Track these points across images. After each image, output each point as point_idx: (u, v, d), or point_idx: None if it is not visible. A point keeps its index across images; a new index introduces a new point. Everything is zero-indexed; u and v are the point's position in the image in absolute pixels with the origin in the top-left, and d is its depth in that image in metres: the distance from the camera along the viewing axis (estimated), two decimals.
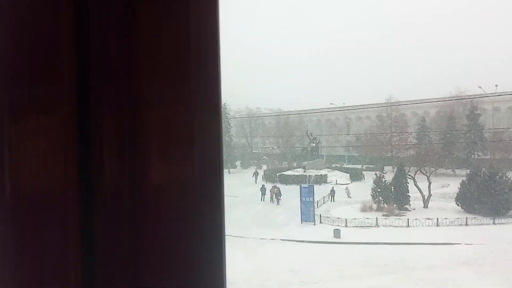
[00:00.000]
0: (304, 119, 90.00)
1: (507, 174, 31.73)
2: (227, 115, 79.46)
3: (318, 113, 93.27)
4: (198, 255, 1.00)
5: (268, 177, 54.20)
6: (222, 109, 1.14)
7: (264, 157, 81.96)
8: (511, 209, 30.07)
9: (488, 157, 54.01)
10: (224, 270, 1.06)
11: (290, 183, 47.82)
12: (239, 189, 48.14)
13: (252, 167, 78.95)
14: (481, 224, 27.98)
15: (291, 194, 39.82)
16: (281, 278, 18.19)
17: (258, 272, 19.11)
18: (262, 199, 40.54)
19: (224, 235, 1.19)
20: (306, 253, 22.55)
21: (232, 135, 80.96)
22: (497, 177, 30.67)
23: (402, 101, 60.59)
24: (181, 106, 1.00)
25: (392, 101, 63.78)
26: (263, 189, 41.49)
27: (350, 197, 37.60)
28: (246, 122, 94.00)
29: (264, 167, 72.82)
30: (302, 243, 24.71)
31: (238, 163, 79.00)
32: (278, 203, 38.57)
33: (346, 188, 38.79)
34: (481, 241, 23.81)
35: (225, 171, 52.58)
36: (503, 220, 28.49)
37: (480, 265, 19.62)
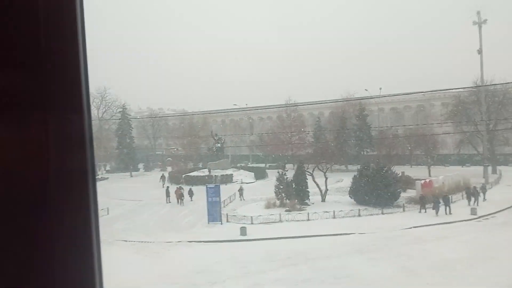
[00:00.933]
0: (208, 120, 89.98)
1: (392, 168, 35.33)
2: (127, 115, 75.83)
3: (222, 114, 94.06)
4: (61, 257, 0.95)
5: (173, 178, 53.01)
6: (90, 110, 1.08)
7: (168, 158, 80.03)
8: (396, 200, 33.62)
9: (375, 153, 59.75)
10: (97, 274, 1.03)
11: (196, 184, 47.41)
12: (143, 192, 46.38)
13: (156, 169, 76.59)
14: (372, 215, 30.73)
15: (197, 195, 39.58)
16: (188, 280, 17.93)
17: (165, 276, 18.60)
18: (168, 201, 39.64)
19: (97, 238, 1.13)
20: (213, 253, 22.55)
21: (134, 136, 77.44)
22: (384, 171, 34.00)
23: (299, 103, 63.85)
24: (35, 109, 0.93)
25: (290, 102, 66.85)
26: (167, 191, 40.54)
27: (243, 199, 38.45)
28: (149, 123, 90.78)
29: (169, 168, 71.16)
30: (209, 243, 24.67)
31: (141, 165, 75.94)
32: (182, 204, 38.11)
33: (240, 189, 39.68)
34: (372, 229, 26.20)
35: (127, 174, 50.75)
36: (390, 210, 31.68)
37: (371, 252, 21.57)
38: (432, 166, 52.44)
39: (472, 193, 33.29)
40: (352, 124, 65.42)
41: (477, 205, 31.75)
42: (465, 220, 28.25)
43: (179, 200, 38.87)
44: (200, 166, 65.53)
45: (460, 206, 31.38)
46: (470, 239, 23.44)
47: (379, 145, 59.18)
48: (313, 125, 70.36)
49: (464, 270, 18.13)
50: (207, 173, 53.60)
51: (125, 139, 72.68)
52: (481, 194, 33.99)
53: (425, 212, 30.57)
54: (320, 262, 20.00)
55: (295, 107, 71.17)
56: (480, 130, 49.75)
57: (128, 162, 70.05)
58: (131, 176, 66.60)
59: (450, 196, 31.95)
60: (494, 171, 50.06)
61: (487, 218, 28.77)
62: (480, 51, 42.53)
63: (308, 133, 69.01)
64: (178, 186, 43.43)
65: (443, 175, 39.60)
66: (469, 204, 31.85)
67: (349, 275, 18.03)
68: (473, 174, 45.30)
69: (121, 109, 75.53)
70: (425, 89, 66.55)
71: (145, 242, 25.25)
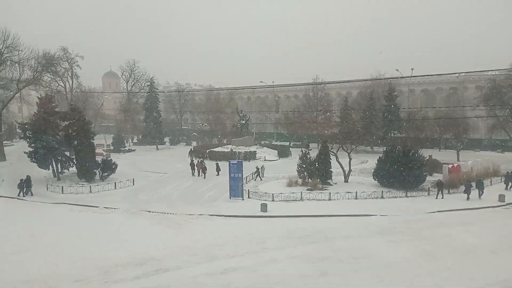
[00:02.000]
0: (234, 96, 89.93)
1: (419, 151, 34.49)
2: (155, 89, 76.53)
3: (248, 91, 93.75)
4: None
5: (197, 153, 53.67)
6: None
7: (194, 133, 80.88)
8: (422, 183, 32.96)
9: (403, 135, 58.43)
10: None
11: (219, 159, 47.87)
12: (168, 165, 47.25)
13: (181, 143, 77.67)
14: (395, 197, 30.31)
15: (221, 170, 40.00)
16: (208, 252, 18.28)
17: (185, 248, 19.01)
18: (193, 174, 40.36)
19: None
20: (233, 227, 22.86)
21: (161, 110, 78.37)
22: (410, 153, 33.23)
23: (327, 81, 62.66)
24: None
25: (318, 81, 65.71)
26: (192, 165, 41.23)
27: (261, 178, 38.24)
28: (176, 97, 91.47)
29: (194, 143, 71.96)
30: (230, 218, 24.99)
31: (167, 139, 77.10)
32: (205, 178, 38.70)
33: (262, 167, 39.48)
34: (394, 212, 25.85)
35: (153, 147, 52.12)
36: (414, 193, 31.13)
37: (392, 234, 21.33)
38: (461, 151, 50.92)
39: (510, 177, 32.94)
40: (381, 105, 63.92)
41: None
42: (492, 207, 27.46)
43: (200, 173, 39.56)
44: (225, 142, 65.95)
45: (488, 192, 30.41)
46: (494, 226, 22.83)
47: (408, 127, 57.76)
48: (340, 105, 69.22)
49: (487, 257, 17.72)
50: (230, 149, 53.96)
51: (152, 113, 73.68)
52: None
53: (442, 198, 29.73)
54: (339, 242, 19.96)
55: (322, 86, 70.05)
56: None
57: (154, 136, 71.22)
58: (157, 149, 67.84)
59: (483, 181, 31.14)
60: None
61: None
62: None
63: (334, 113, 68.05)
64: (199, 160, 44.02)
65: (472, 160, 38.39)
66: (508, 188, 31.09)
67: (368, 256, 17.92)
68: (504, 160, 43.79)
69: (149, 83, 76.33)
70: (459, 71, 64.12)
71: (167, 213, 25.83)
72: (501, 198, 28.55)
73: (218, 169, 40.11)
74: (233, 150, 53.25)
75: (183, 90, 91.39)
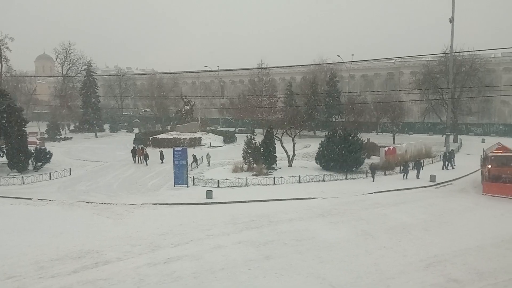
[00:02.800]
0: (178, 81, 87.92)
1: (358, 135, 35.89)
2: (93, 73, 72.77)
3: (193, 76, 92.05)
4: None
5: (140, 140, 52.08)
6: None
7: (136, 120, 78.27)
8: (360, 166, 34.40)
9: (343, 119, 60.52)
10: None
11: (163, 146, 46.82)
12: (108, 154, 45.43)
13: (122, 130, 74.87)
14: (336, 180, 31.40)
15: (164, 157, 39.12)
16: (151, 241, 17.88)
17: (127, 238, 18.46)
18: (134, 162, 39.22)
19: None
20: (177, 215, 22.52)
21: (100, 96, 74.78)
22: (350, 137, 34.47)
23: (271, 66, 63.07)
24: None
25: (262, 66, 65.88)
26: (133, 152, 40.07)
27: (209, 165, 37.91)
28: (116, 82, 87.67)
29: (136, 130, 69.69)
30: (174, 206, 24.59)
31: (106, 126, 73.93)
32: (146, 165, 37.84)
33: (208, 155, 39.07)
34: (335, 194, 26.82)
35: (91, 135, 49.75)
36: (353, 176, 32.44)
37: (333, 215, 22.14)
38: (396, 134, 53.74)
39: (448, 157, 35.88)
40: (323, 90, 65.54)
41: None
42: (424, 187, 29.33)
43: (141, 160, 38.64)
44: (169, 128, 64.54)
45: (421, 172, 32.39)
46: (427, 205, 24.43)
47: (348, 111, 59.81)
48: (284, 90, 70.07)
49: (419, 234, 18.94)
50: (175, 136, 52.91)
51: (90, 98, 70.20)
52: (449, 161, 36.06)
53: (373, 181, 30.95)
54: (283, 225, 20.37)
55: (267, 71, 70.37)
56: (445, 99, 50.91)
57: (93, 122, 68.01)
58: (96, 136, 64.92)
59: (422, 161, 33.62)
60: (455, 140, 51.86)
61: (444, 185, 29.99)
62: (451, 20, 42.70)
63: (279, 98, 68.85)
64: (141, 146, 42.83)
65: (406, 143, 40.65)
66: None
67: (310, 237, 18.46)
68: (435, 142, 46.84)
69: (86, 67, 72.40)
70: (394, 58, 67.25)
71: (108, 204, 24.89)
72: (432, 178, 30.57)
73: (162, 157, 39.24)
74: (178, 137, 52.28)
75: (123, 74, 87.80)
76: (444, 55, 51.59)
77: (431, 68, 57.34)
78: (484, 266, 15.01)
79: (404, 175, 31.73)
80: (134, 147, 42.53)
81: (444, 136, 47.04)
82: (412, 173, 32.01)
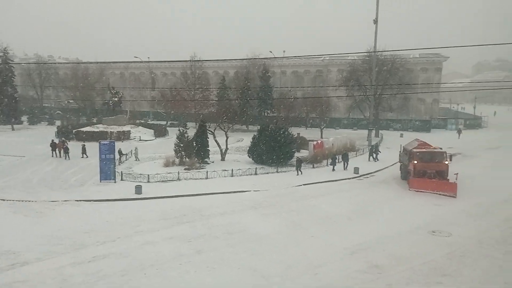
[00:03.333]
0: (106, 72, 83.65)
1: (289, 129, 36.80)
2: (10, 61, 66.65)
3: (121, 66, 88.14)
4: None
5: (62, 134, 48.83)
6: None
7: (58, 111, 73.14)
8: (291, 159, 35.34)
9: (275, 114, 61.74)
10: None
11: (88, 140, 44.36)
12: (26, 147, 42.11)
13: (42, 123, 69.62)
14: (267, 173, 31.97)
15: (90, 151, 37.12)
16: (75, 240, 16.89)
17: (47, 237, 17.25)
18: (54, 156, 36.78)
19: None
20: (104, 212, 21.50)
21: (17, 85, 68.67)
22: (281, 131, 35.27)
23: (204, 59, 62.34)
24: None
25: (195, 59, 64.86)
26: (52, 145, 37.53)
27: (138, 159, 36.74)
28: (36, 71, 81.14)
29: (58, 122, 65.20)
30: (100, 202, 23.43)
31: (25, 118, 68.25)
32: (68, 158, 35.77)
33: (135, 149, 37.75)
34: (266, 187, 27.31)
35: (8, 127, 45.78)
36: (284, 169, 33.25)
37: (264, 208, 22.55)
38: (324, 129, 55.98)
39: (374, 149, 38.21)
40: (256, 85, 66.22)
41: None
42: (348, 178, 30.93)
43: (62, 154, 36.48)
44: (95, 121, 61.34)
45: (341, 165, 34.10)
46: (351, 196, 25.80)
47: (279, 106, 61.05)
48: (218, 84, 69.71)
49: (344, 223, 19.96)
50: (102, 129, 50.36)
51: (6, 88, 64.25)
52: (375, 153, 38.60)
53: (301, 173, 31.58)
54: (215, 219, 20.34)
55: (200, 64, 69.43)
56: (369, 96, 54.00)
57: (9, 114, 62.45)
58: (13, 129, 59.63)
59: (348, 154, 35.73)
60: (377, 135, 55.28)
61: (367, 177, 31.87)
62: (375, 21, 45.30)
63: (212, 92, 68.33)
64: (61, 140, 40.30)
65: (333, 137, 42.53)
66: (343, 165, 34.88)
67: (242, 230, 18.65)
68: (359, 137, 49.56)
69: (1, 54, 66.07)
70: (323, 56, 69.91)
71: (26, 201, 23.06)
72: (356, 170, 32.34)
73: (83, 151, 37.10)
74: (104, 130, 49.82)
75: (44, 63, 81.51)
76: (368, 54, 54.64)
77: (356, 67, 60.47)
78: (402, 252, 16.21)
79: (332, 167, 33.30)
80: (53, 140, 39.70)
81: (367, 131, 50.00)
82: (340, 165, 33.72)
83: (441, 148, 29.19)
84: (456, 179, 26.12)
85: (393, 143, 46.25)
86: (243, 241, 17.28)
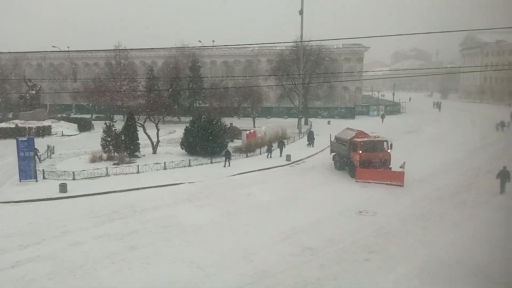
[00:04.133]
0: (21, 63, 77.12)
1: (222, 120, 36.77)
2: None
3: (38, 56, 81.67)
4: None
5: None
6: None
7: None
8: (224, 149, 35.38)
9: (207, 105, 61.28)
10: None
11: (3, 137, 40.80)
12: None
13: None
14: (201, 164, 31.76)
15: (6, 149, 34.24)
16: None
17: None
18: None
19: None
20: (25, 214, 20.03)
21: None
22: (214, 122, 35.15)
23: (130, 49, 59.75)
24: None
25: (120, 48, 61.95)
26: None
27: (50, 156, 34.60)
28: None
29: None
30: (21, 203, 21.78)
31: None
32: None
33: (49, 147, 35.49)
34: (200, 178, 27.17)
35: None
36: (218, 159, 33.23)
37: (199, 199, 22.47)
38: (256, 118, 56.76)
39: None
40: (186, 75, 65.03)
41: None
42: (281, 166, 31.78)
43: None
44: (10, 116, 56.45)
45: (277, 152, 34.99)
46: (284, 182, 26.58)
47: (211, 97, 60.65)
48: (146, 75, 67.36)
49: (278, 210, 20.55)
50: (17, 125, 46.47)
51: None
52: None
53: (229, 165, 30.83)
54: (148, 214, 19.88)
55: (126, 54, 66.45)
56: (297, 85, 55.57)
57: None
58: None
59: (284, 141, 37.02)
60: (306, 122, 57.21)
61: (298, 163, 32.96)
62: (301, 12, 46.52)
63: (140, 83, 65.89)
64: None
65: (265, 126, 43.31)
66: (280, 155, 35.81)
67: (177, 223, 18.46)
68: (290, 125, 50.95)
69: None
70: (252, 46, 70.47)
71: None
72: (288, 157, 33.31)
73: None
74: (22, 126, 46.06)
75: None
76: (295, 45, 56.06)
77: (284, 57, 61.79)
78: (333, 233, 17.12)
79: (268, 154, 34.17)
80: None
81: (297, 119, 51.57)
82: (276, 152, 34.63)
83: (380, 137, 29.40)
84: (402, 167, 25.50)
85: (321, 130, 48.14)
86: (178, 234, 17.13)
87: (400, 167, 25.61)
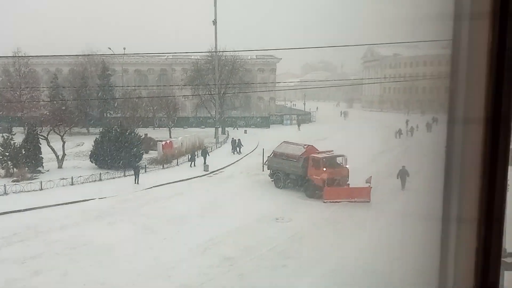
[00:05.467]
0: None
1: (135, 130, 35.43)
2: None
3: None
4: None
5: None
6: None
7: None
8: (139, 161, 34.08)
9: (119, 115, 58.65)
10: None
11: None
12: None
13: None
14: (114, 178, 30.22)
15: None
16: None
17: None
18: None
19: None
20: None
21: None
22: (127, 133, 33.74)
23: (32, 56, 55.12)
24: None
25: (20, 55, 56.86)
26: None
27: None
28: None
29: None
30: None
31: None
32: None
33: None
34: (113, 193, 25.80)
35: None
36: (132, 172, 31.79)
37: (112, 215, 21.31)
38: (173, 128, 55.69)
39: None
40: (95, 84, 61.66)
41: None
42: (199, 176, 31.50)
43: None
44: None
45: (200, 162, 34.67)
46: (202, 193, 26.37)
47: (123, 107, 58.21)
48: (49, 83, 62.47)
49: (196, 222, 20.29)
50: None
51: None
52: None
53: (135, 183, 28.78)
54: (54, 234, 18.35)
55: (26, 61, 61.06)
56: (213, 95, 55.79)
57: None
58: None
59: (207, 150, 37.11)
60: (223, 132, 57.57)
61: (216, 173, 32.97)
62: (215, 22, 46.96)
63: (43, 92, 60.92)
64: None
65: (182, 136, 42.70)
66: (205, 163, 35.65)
67: (87, 242, 17.28)
68: (207, 135, 50.87)
69: None
70: (166, 55, 69.33)
71: None
72: (206, 168, 33.14)
73: None
74: None
75: None
76: (210, 54, 56.35)
77: (200, 66, 61.73)
78: (251, 241, 17.36)
79: (191, 163, 34.01)
80: None
81: (214, 129, 51.72)
82: (199, 160, 34.34)
83: (333, 152, 26.86)
84: (369, 181, 23.60)
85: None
86: (88, 254, 16.05)
87: (366, 182, 23.58)
